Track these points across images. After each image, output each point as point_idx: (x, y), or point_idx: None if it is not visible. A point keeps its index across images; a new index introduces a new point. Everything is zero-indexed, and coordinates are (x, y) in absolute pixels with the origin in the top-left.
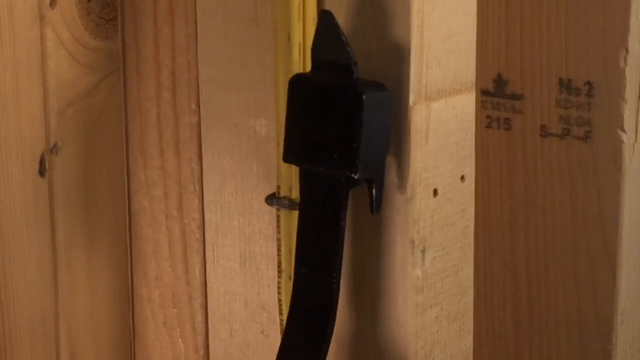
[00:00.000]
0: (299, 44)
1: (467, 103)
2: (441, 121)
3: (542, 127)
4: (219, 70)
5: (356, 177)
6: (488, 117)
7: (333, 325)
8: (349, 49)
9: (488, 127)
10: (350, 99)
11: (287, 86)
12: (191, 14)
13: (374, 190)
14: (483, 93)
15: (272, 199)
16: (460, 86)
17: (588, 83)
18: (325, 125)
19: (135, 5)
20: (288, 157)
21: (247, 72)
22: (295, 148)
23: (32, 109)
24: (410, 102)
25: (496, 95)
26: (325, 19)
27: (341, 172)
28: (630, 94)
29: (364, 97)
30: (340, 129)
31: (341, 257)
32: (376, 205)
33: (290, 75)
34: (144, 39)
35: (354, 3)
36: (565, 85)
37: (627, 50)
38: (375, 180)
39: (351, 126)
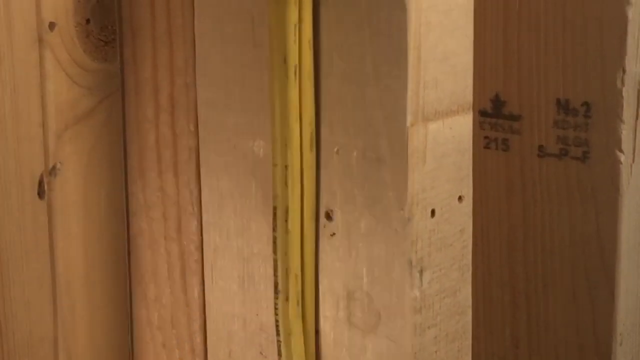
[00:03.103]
0: (295, 66)
1: (464, 124)
2: (438, 142)
3: (540, 147)
4: (217, 92)
5: None
6: (486, 137)
7: None
8: None
9: (486, 147)
10: None
11: (283, 108)
12: (189, 36)
13: None
14: (481, 114)
15: None
16: (457, 107)
17: (586, 104)
18: None
19: (133, 27)
20: None
21: (246, 93)
22: None
23: (31, 131)
24: (408, 123)
25: (494, 115)
26: None
27: None
28: (627, 114)
29: None
30: None
31: None
32: None
33: (286, 97)
34: (142, 61)
35: (350, 24)
36: (563, 105)
37: (624, 71)
38: None
39: None
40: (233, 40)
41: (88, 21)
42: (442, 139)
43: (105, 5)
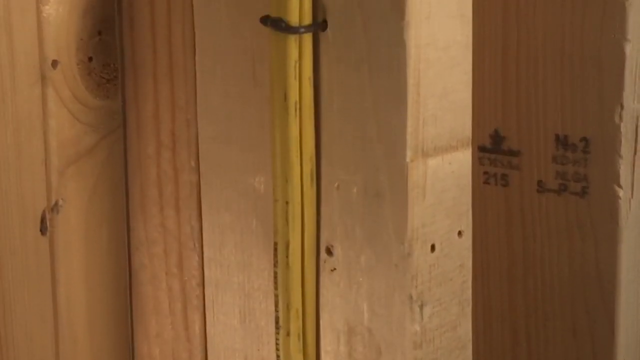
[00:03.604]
0: (295, 102)
1: (463, 159)
2: (438, 177)
3: (539, 182)
4: (218, 128)
5: None
6: (485, 173)
7: None
8: None
9: (486, 183)
10: None
11: (283, 144)
12: (190, 73)
13: None
14: (480, 149)
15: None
16: (457, 143)
17: (584, 139)
18: None
19: (135, 65)
20: None
21: (246, 129)
22: None
23: (34, 168)
24: (408, 159)
25: (493, 151)
26: None
27: None
28: (625, 149)
29: None
30: None
31: None
32: None
33: (287, 133)
34: (144, 98)
35: (350, 61)
36: (562, 141)
37: (622, 107)
38: None
39: None
40: (234, 77)
41: (90, 59)
42: (441, 174)
43: (108, 43)
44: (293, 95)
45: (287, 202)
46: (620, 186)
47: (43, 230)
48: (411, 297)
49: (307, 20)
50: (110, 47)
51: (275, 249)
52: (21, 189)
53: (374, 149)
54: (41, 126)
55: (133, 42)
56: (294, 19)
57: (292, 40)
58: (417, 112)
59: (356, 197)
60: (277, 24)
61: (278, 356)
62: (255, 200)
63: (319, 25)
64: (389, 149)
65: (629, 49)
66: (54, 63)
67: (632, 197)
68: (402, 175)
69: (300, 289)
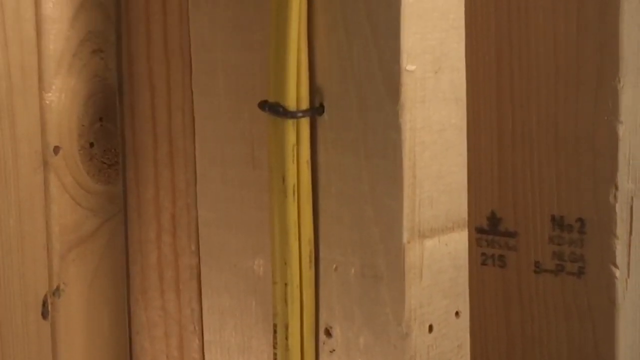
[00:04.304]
0: (293, 185)
1: (459, 241)
2: (435, 259)
3: (536, 263)
4: (217, 212)
5: None
6: (483, 254)
7: None
8: None
9: (483, 264)
10: None
11: (282, 227)
12: (190, 158)
13: None
14: (477, 230)
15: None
16: (453, 224)
17: (580, 220)
18: None
19: (136, 150)
20: None
21: (245, 213)
22: None
23: (36, 252)
24: (404, 240)
25: (490, 232)
26: None
27: None
28: (621, 229)
29: None
30: None
31: None
32: None
33: (285, 216)
34: (144, 183)
35: (347, 145)
36: (558, 222)
37: (616, 187)
38: None
39: None
40: (233, 161)
41: (92, 145)
42: (438, 255)
43: (109, 129)
44: (291, 179)
45: (286, 284)
46: (616, 266)
47: (45, 314)
48: None
49: (305, 104)
50: (111, 133)
51: (275, 331)
52: (23, 273)
53: (371, 231)
54: (43, 211)
55: (134, 127)
56: (291, 104)
57: (290, 124)
58: (413, 194)
59: (354, 278)
60: (275, 109)
61: None
62: (254, 282)
63: (316, 110)
64: (386, 231)
65: (622, 130)
66: (56, 149)
67: (628, 276)
68: (399, 257)
69: None
